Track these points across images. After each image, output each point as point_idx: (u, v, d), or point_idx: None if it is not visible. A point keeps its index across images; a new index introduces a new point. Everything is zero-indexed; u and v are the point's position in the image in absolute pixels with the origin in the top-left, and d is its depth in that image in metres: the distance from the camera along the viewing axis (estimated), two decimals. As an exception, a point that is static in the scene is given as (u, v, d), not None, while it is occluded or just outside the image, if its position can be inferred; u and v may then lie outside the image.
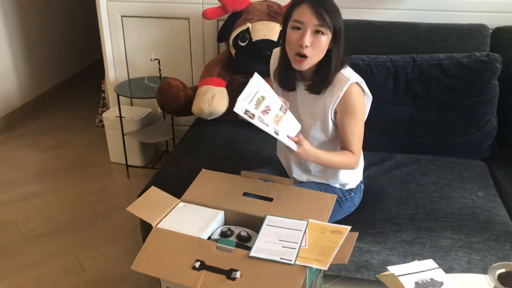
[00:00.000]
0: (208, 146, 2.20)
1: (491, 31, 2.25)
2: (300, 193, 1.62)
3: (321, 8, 1.47)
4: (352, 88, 1.56)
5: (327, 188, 1.75)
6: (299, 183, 1.78)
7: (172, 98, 2.36)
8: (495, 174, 2.02)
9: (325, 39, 1.50)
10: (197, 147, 2.20)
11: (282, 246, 1.42)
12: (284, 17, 1.58)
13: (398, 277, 1.34)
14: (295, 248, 1.41)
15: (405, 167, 2.05)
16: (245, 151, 2.15)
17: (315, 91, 1.59)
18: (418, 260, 1.40)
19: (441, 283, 1.31)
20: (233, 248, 1.41)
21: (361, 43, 2.28)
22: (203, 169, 1.76)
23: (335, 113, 1.61)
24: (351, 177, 1.75)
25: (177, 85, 2.38)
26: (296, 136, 1.50)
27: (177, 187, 1.66)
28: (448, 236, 1.72)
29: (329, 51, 1.53)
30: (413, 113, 2.12)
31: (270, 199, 1.61)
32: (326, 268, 1.33)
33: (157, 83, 2.63)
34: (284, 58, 1.61)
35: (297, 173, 1.79)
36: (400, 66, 2.12)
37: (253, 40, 2.28)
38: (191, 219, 1.56)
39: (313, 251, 1.39)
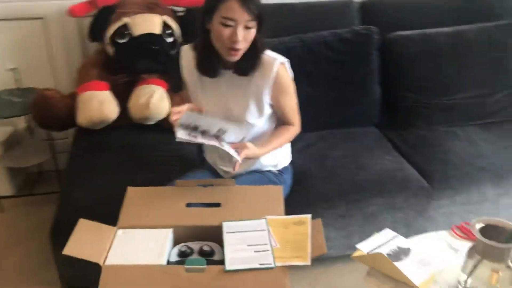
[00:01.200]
0: (109, 158, 1.97)
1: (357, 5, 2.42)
2: (246, 191, 1.55)
3: (250, 2, 1.42)
4: (281, 68, 1.58)
5: (262, 177, 1.71)
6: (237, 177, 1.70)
7: (51, 112, 2.04)
8: (389, 137, 2.21)
9: (254, 31, 1.49)
10: (96, 160, 1.95)
11: (254, 251, 1.35)
12: (206, 8, 1.49)
13: (370, 252, 1.39)
14: (268, 250, 1.35)
15: (314, 145, 2.11)
16: (155, 157, 1.97)
17: (244, 72, 1.56)
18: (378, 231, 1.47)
19: (408, 249, 1.40)
20: (205, 266, 1.29)
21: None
22: (128, 187, 1.56)
23: (270, 95, 1.60)
24: (281, 156, 1.75)
25: (54, 96, 2.06)
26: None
27: (96, 213, 1.44)
28: (375, 203, 1.84)
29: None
30: (309, 92, 2.18)
31: (218, 204, 1.51)
32: (309, 263, 1.30)
33: (22, 96, 2.23)
34: (208, 49, 1.54)
35: (229, 167, 1.71)
36: (291, 48, 2.15)
37: (135, 35, 2.08)
38: (139, 246, 1.38)
39: (286, 249, 1.35)
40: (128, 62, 2.11)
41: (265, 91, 1.59)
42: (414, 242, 1.43)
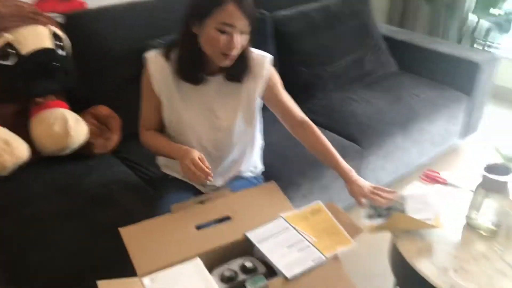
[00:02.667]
0: (47, 207, 1.61)
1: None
2: (246, 196, 1.49)
3: (248, 7, 1.36)
4: (270, 64, 1.54)
5: (246, 182, 1.65)
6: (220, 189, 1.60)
7: None
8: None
9: (248, 36, 1.41)
10: (34, 215, 1.58)
11: (298, 251, 1.33)
12: (196, 12, 1.38)
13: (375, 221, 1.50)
14: (309, 246, 1.35)
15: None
16: (96, 189, 1.70)
17: (238, 78, 1.48)
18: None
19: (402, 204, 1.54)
20: (267, 282, 1.23)
21: (141, 28, 2.06)
22: (119, 229, 1.34)
23: (263, 96, 1.54)
24: (257, 158, 1.71)
25: None
26: None
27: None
28: (327, 175, 1.96)
29: None
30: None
31: (228, 218, 1.42)
32: (353, 244, 1.35)
33: None
34: (195, 55, 1.41)
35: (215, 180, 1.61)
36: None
37: (24, 53, 1.71)
38: (180, 286, 1.22)
39: (323, 239, 1.37)
40: (21, 86, 1.73)
41: (257, 94, 1.52)
42: (402, 197, 1.60)
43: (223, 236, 1.38)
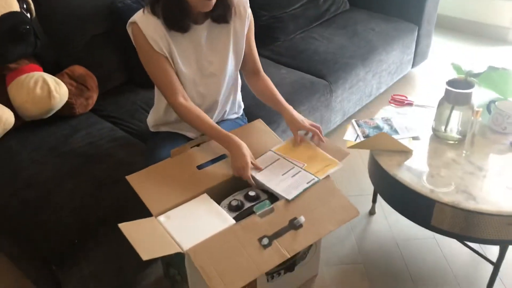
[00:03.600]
0: (47, 167, 1.65)
1: None
2: (237, 134, 1.56)
3: None
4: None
5: (233, 123, 1.75)
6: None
7: None
8: (265, 55, 2.41)
9: None
10: (24, 171, 1.62)
11: (292, 177, 1.47)
12: None
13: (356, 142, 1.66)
14: (301, 170, 1.48)
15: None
16: (87, 147, 1.75)
17: (225, 18, 1.52)
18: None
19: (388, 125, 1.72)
20: (271, 205, 1.36)
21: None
22: (126, 177, 1.42)
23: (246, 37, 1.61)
24: (240, 101, 1.80)
25: None
26: None
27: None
28: (301, 110, 2.08)
29: None
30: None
31: (223, 156, 1.53)
32: (341, 165, 1.49)
33: None
34: (179, 4, 1.43)
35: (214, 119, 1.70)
36: None
37: (-7, 19, 1.69)
38: (195, 221, 1.34)
39: (314, 163, 1.51)
40: (-5, 53, 1.72)
41: (244, 32, 1.59)
42: (383, 119, 1.76)
43: (222, 173, 1.49)
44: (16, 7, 1.75)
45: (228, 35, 1.57)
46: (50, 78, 1.79)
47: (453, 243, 1.84)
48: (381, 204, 2.03)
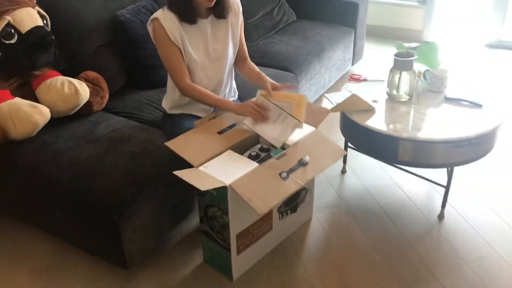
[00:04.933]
0: (85, 149, 1.95)
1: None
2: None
3: None
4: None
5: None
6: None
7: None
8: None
9: None
10: (64, 155, 1.92)
11: (281, 123, 1.88)
12: None
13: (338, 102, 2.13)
14: (287, 115, 1.88)
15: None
16: (114, 133, 2.07)
17: (223, 15, 1.95)
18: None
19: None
20: (283, 151, 1.78)
21: (105, 2, 2.40)
22: (165, 143, 1.79)
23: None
24: (235, 87, 2.22)
25: None
26: None
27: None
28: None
29: None
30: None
31: (235, 124, 1.93)
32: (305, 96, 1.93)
33: None
34: (187, 1, 1.85)
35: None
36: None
37: (24, 32, 1.99)
38: (229, 167, 1.73)
39: (296, 107, 1.92)
40: (25, 60, 2.01)
41: (238, 27, 2.02)
42: (348, 91, 2.25)
43: (238, 135, 1.89)
44: (40, 22, 2.07)
45: (227, 27, 2.01)
46: (73, 80, 2.11)
47: (409, 182, 2.36)
48: (350, 164, 2.51)
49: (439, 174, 2.26)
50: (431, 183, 2.25)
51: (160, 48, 1.92)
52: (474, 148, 1.96)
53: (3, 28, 1.95)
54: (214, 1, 1.87)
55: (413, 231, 2.09)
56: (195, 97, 1.95)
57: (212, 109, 2.08)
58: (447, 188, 2.09)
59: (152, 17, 1.90)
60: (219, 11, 1.94)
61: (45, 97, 2.06)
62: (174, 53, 1.91)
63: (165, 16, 1.87)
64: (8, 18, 1.96)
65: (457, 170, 2.15)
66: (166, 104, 2.12)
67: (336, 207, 2.26)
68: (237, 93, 2.25)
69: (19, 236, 2.14)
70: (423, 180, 2.27)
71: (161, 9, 1.90)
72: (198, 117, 2.08)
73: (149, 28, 1.93)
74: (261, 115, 1.85)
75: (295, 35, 3.12)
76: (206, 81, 2.00)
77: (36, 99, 2.07)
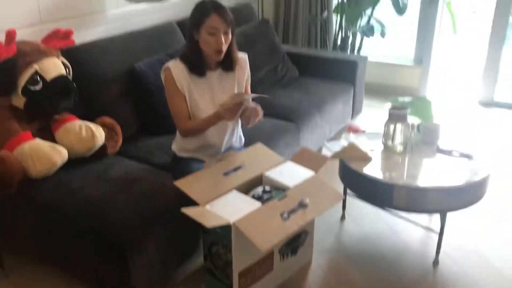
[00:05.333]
0: (96, 188, 2.08)
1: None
2: (245, 154, 2.15)
3: (225, 15, 2.01)
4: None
5: (238, 149, 2.31)
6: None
7: (11, 172, 1.95)
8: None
9: (230, 35, 2.07)
10: (80, 192, 2.04)
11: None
12: (194, 23, 2.03)
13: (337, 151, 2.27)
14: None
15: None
16: (125, 174, 2.21)
17: (230, 68, 2.13)
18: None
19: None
20: (284, 193, 1.91)
21: (121, 55, 2.61)
22: (175, 182, 1.92)
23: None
24: (240, 131, 2.38)
25: (8, 155, 1.95)
26: None
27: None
28: (280, 145, 2.68)
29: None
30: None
31: (240, 167, 2.07)
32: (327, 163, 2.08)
33: None
34: (197, 54, 2.06)
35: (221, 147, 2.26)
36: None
37: (49, 80, 2.17)
38: (233, 206, 1.85)
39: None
40: (48, 106, 2.18)
41: (243, 81, 2.20)
42: (349, 140, 2.40)
43: (242, 177, 2.02)
44: (63, 71, 2.26)
45: (233, 80, 2.19)
46: (90, 124, 2.27)
47: (405, 229, 2.45)
48: (349, 211, 2.62)
49: (434, 221, 2.36)
50: (426, 230, 2.34)
51: (167, 93, 2.14)
52: (465, 196, 2.09)
53: (31, 75, 2.14)
54: (223, 55, 2.07)
55: (409, 277, 2.16)
56: (192, 132, 2.15)
57: (218, 154, 2.23)
58: (440, 234, 2.18)
59: (165, 65, 2.12)
60: (227, 65, 2.14)
61: (63, 139, 2.21)
62: (179, 99, 2.12)
63: (176, 66, 2.09)
64: (35, 67, 2.15)
65: (451, 216, 2.25)
66: (176, 147, 2.28)
67: (336, 251, 2.34)
68: (243, 140, 2.40)
69: (33, 273, 2.22)
70: (419, 227, 2.36)
71: (174, 60, 2.10)
72: (205, 162, 2.22)
73: (162, 76, 2.13)
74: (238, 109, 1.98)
75: (297, 89, 3.32)
76: (211, 129, 2.16)
77: (55, 141, 2.22)
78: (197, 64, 2.09)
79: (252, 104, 2.02)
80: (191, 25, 2.06)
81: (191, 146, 2.22)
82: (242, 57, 2.22)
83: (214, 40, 2.02)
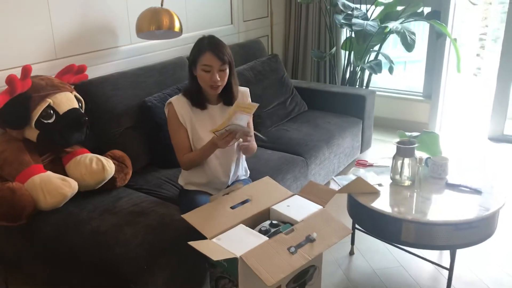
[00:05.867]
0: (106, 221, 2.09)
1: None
2: (252, 188, 2.15)
3: (220, 53, 2.07)
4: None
5: (245, 181, 2.32)
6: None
7: (21, 204, 1.98)
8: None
9: (227, 71, 2.12)
10: (87, 225, 2.05)
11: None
12: (191, 59, 2.12)
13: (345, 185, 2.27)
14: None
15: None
16: (133, 207, 2.22)
17: (231, 102, 2.17)
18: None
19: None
20: (292, 227, 1.90)
21: (133, 89, 2.67)
22: (182, 215, 1.92)
23: None
24: (245, 164, 2.39)
25: (20, 187, 1.99)
26: None
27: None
28: (288, 178, 2.69)
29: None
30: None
31: (247, 200, 2.07)
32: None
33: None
34: (197, 89, 2.14)
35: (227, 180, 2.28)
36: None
37: (61, 113, 2.23)
38: (240, 240, 1.84)
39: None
40: (60, 139, 2.22)
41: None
42: (354, 175, 2.40)
43: (249, 210, 2.02)
44: (76, 105, 2.31)
45: None
46: (101, 157, 2.31)
47: (414, 265, 2.41)
48: (357, 246, 2.59)
49: (444, 257, 2.32)
50: (436, 266, 2.31)
51: (169, 126, 2.21)
52: (475, 231, 2.06)
53: (44, 109, 2.19)
54: (219, 90, 2.13)
55: (419, 314, 2.12)
56: (191, 162, 2.19)
57: (224, 187, 2.24)
58: (450, 270, 2.15)
59: (168, 100, 2.19)
60: (227, 98, 2.18)
61: (74, 172, 2.24)
62: (180, 132, 2.18)
63: (178, 100, 2.16)
64: (49, 100, 2.21)
65: (461, 253, 2.22)
66: (182, 181, 2.30)
67: (344, 287, 2.31)
68: (248, 172, 2.41)
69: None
70: (429, 263, 2.33)
71: (177, 95, 2.15)
72: (211, 194, 2.23)
73: (165, 110, 2.21)
74: (231, 138, 2.00)
75: (306, 123, 3.34)
76: (214, 160, 2.19)
77: (65, 174, 2.25)
78: (197, 98, 2.16)
79: (242, 126, 2.02)
80: (190, 62, 2.14)
81: (197, 180, 2.25)
82: (243, 91, 2.27)
83: (209, 76, 2.08)
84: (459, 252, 2.17)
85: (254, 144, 2.28)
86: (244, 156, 2.35)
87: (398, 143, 2.26)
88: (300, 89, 3.72)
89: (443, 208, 2.12)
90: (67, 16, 2.59)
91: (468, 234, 2.06)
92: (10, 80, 2.09)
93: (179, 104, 2.16)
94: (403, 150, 2.24)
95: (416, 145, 2.24)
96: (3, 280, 2.24)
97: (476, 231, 2.07)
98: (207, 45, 2.08)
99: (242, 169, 2.36)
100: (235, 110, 1.96)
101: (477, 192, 2.23)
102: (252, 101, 2.27)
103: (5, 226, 2.06)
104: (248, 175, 2.42)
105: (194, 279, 2.15)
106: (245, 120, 2.07)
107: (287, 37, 4.63)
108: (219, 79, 2.08)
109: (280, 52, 4.65)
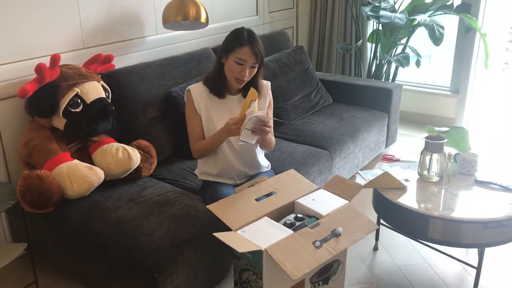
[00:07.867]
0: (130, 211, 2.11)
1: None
2: (277, 180, 2.14)
3: (257, 50, 2.05)
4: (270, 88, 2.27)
5: (268, 173, 2.31)
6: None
7: (49, 192, 2.01)
8: (275, 136, 3.05)
9: (257, 69, 2.12)
10: (112, 214, 2.07)
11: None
12: (225, 47, 2.08)
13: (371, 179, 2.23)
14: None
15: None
16: (159, 197, 2.23)
17: None
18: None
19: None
20: (317, 221, 1.88)
21: (158, 80, 2.67)
22: (207, 206, 1.93)
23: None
24: (265, 157, 2.40)
25: (48, 175, 2.02)
26: None
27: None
28: (313, 171, 2.67)
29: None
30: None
31: (271, 193, 2.06)
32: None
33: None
34: (220, 76, 2.13)
35: (250, 171, 2.29)
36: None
37: (88, 102, 2.24)
38: (265, 232, 1.83)
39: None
40: (86, 127, 2.24)
41: (264, 108, 2.20)
42: (381, 170, 2.37)
43: (274, 203, 2.01)
44: (103, 94, 2.33)
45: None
46: (127, 146, 2.32)
47: (440, 262, 2.37)
48: (382, 242, 2.56)
49: (472, 255, 2.28)
50: (463, 264, 2.26)
51: (186, 113, 2.22)
52: (504, 230, 2.01)
53: (72, 98, 2.21)
54: (243, 85, 2.11)
55: (444, 312, 2.09)
56: (202, 150, 2.20)
57: (237, 178, 2.26)
58: (478, 269, 2.10)
59: (187, 88, 2.20)
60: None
61: (100, 161, 2.26)
62: (194, 120, 2.19)
63: (196, 88, 2.18)
64: (77, 89, 2.23)
65: (490, 252, 2.17)
66: (197, 171, 2.35)
67: (367, 283, 2.29)
68: (269, 163, 2.40)
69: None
70: (455, 260, 2.29)
71: (197, 83, 2.16)
72: (230, 185, 2.23)
73: (185, 97, 2.23)
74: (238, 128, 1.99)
75: (331, 116, 3.31)
76: (230, 151, 2.20)
77: (92, 162, 2.27)
78: (218, 85, 2.15)
79: (259, 115, 1.99)
80: (222, 48, 2.11)
81: (211, 170, 2.26)
82: (265, 85, 2.25)
83: (239, 69, 2.07)
84: (487, 250, 2.12)
85: (272, 138, 2.26)
86: (259, 149, 2.32)
87: (426, 138, 2.22)
88: (325, 82, 3.68)
89: (471, 205, 2.07)
90: (94, 7, 2.60)
91: (497, 232, 2.01)
92: (39, 68, 2.11)
93: (196, 91, 2.16)
94: (432, 145, 2.19)
95: (445, 140, 2.19)
96: (30, 267, 2.28)
97: (505, 229, 2.02)
98: (247, 40, 2.05)
99: (263, 160, 2.35)
100: (249, 100, 1.99)
101: (507, 189, 2.18)
102: (275, 94, 2.26)
103: (33, 213, 2.09)
104: (270, 167, 2.41)
105: (218, 270, 2.15)
106: (262, 109, 2.12)
107: (312, 29, 4.57)
108: (247, 75, 2.08)
109: (305, 44, 4.61)
